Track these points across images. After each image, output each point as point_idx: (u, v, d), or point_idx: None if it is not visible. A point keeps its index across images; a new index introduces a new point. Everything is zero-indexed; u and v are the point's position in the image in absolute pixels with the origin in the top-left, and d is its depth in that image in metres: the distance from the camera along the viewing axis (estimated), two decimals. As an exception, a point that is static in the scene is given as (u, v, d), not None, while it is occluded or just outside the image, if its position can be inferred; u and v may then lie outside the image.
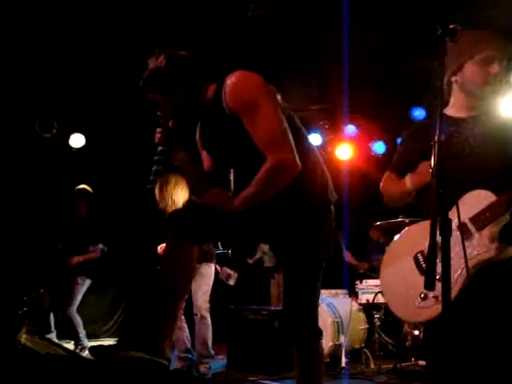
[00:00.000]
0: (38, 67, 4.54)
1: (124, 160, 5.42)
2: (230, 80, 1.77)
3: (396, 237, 2.03)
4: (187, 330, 3.77)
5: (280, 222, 1.89)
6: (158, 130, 1.91)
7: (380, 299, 4.43)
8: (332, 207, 1.97)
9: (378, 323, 4.36)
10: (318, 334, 1.93)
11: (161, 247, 3.83)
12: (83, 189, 4.77)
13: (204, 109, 1.88)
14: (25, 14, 4.10)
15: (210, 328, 3.77)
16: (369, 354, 3.99)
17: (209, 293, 3.77)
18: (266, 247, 3.75)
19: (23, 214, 5.09)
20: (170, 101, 1.84)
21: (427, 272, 1.34)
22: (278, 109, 1.76)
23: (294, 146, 1.75)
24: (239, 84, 1.75)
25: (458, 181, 1.58)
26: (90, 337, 4.92)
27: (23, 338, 2.41)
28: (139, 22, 4.31)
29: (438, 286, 1.35)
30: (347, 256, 5.26)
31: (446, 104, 1.92)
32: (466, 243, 1.64)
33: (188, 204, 1.97)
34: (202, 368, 3.67)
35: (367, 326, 4.45)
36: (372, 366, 3.90)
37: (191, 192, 2.09)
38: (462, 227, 1.62)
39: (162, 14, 4.27)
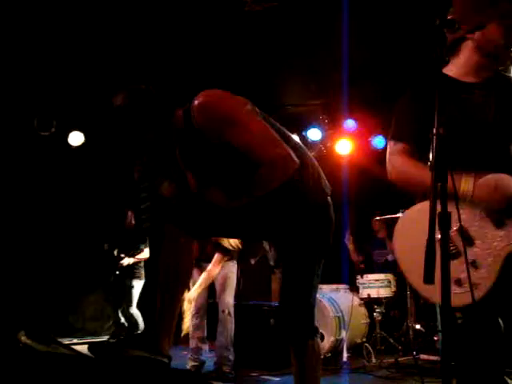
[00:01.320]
0: (36, 65, 4.52)
1: (123, 158, 5.40)
2: (197, 101, 1.73)
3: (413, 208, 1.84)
4: (205, 331, 3.78)
5: (278, 218, 1.87)
6: (136, 168, 1.89)
7: (381, 294, 4.43)
8: (329, 199, 1.96)
9: (379, 318, 4.36)
10: (314, 330, 1.91)
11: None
12: None
13: (177, 135, 1.83)
14: (23, 11, 4.08)
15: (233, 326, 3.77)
16: (370, 348, 4.00)
17: (234, 291, 3.81)
18: (267, 245, 3.75)
19: (22, 212, 5.09)
20: (139, 139, 1.80)
21: (426, 265, 1.32)
22: (253, 114, 1.76)
23: (284, 144, 1.73)
24: (206, 103, 1.73)
25: (480, 155, 1.54)
26: (91, 335, 4.95)
27: (24, 336, 2.41)
28: (136, 19, 4.29)
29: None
30: (348, 239, 5.26)
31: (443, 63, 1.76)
32: (497, 231, 1.59)
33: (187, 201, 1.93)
34: (225, 368, 3.62)
35: (368, 320, 4.46)
36: (373, 360, 3.91)
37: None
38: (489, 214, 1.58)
39: (160, 11, 4.25)
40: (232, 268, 3.78)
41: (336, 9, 4.13)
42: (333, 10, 4.13)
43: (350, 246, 5.30)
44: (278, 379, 3.53)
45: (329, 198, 1.96)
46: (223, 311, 3.70)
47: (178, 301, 1.90)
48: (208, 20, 4.27)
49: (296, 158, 1.74)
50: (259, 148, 1.70)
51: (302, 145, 2.01)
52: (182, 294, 1.93)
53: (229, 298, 3.73)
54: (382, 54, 4.69)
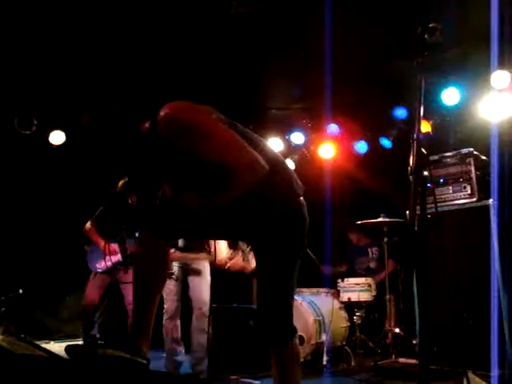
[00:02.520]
0: (16, 63, 4.46)
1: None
2: (162, 113, 1.77)
3: None
4: (179, 331, 3.74)
5: (251, 221, 1.89)
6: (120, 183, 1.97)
7: (362, 297, 4.46)
8: (301, 199, 1.97)
9: (359, 321, 4.39)
10: (293, 331, 1.93)
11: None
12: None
13: (146, 146, 1.86)
14: (4, 9, 4.02)
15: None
16: (350, 351, 4.02)
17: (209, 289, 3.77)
18: (245, 246, 3.75)
19: (2, 212, 4.99)
20: (109, 154, 1.87)
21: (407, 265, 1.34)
22: (217, 123, 1.79)
23: (251, 149, 1.76)
24: (171, 116, 1.76)
25: None
26: (69, 337, 4.87)
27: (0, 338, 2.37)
28: (120, 17, 4.26)
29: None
30: (327, 270, 5.25)
31: None
32: None
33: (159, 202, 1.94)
34: (199, 367, 3.60)
35: (349, 324, 4.48)
36: (353, 363, 3.93)
37: None
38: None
39: (143, 12, 4.23)
40: (207, 265, 3.76)
41: (319, 13, 4.17)
42: (316, 15, 4.17)
43: (333, 271, 5.26)
44: (258, 382, 3.52)
45: (301, 198, 1.98)
46: (199, 309, 3.65)
47: (154, 304, 1.89)
48: (192, 23, 4.27)
49: (264, 163, 1.76)
50: (226, 156, 1.73)
51: (271, 148, 2.01)
52: (158, 296, 1.93)
53: (205, 296, 3.69)
54: (365, 59, 4.75)
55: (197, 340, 3.63)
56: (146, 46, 4.53)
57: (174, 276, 3.74)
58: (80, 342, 4.60)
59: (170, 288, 3.71)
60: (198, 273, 3.72)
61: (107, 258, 4.04)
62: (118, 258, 4.17)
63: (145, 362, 1.84)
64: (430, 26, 1.58)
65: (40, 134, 5.02)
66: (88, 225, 4.25)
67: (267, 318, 1.90)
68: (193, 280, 3.73)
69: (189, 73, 4.76)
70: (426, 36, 1.57)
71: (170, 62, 4.75)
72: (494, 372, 3.16)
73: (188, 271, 3.78)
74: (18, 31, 4.18)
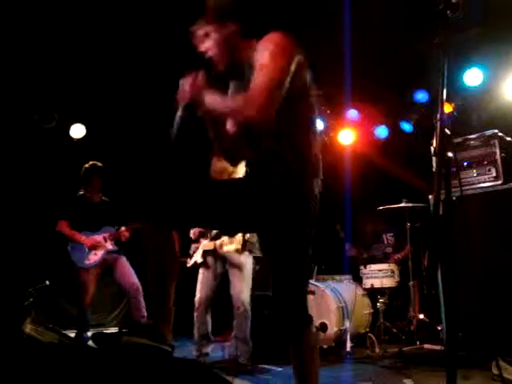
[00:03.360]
0: (37, 58, 4.51)
1: (125, 150, 5.40)
2: (264, 38, 1.81)
3: None
4: (209, 326, 3.69)
5: (265, 202, 1.83)
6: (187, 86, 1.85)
7: (384, 284, 4.42)
8: (318, 182, 1.91)
9: (383, 308, 4.36)
10: (309, 319, 1.88)
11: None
12: (100, 167, 4.40)
13: (240, 62, 1.90)
14: (24, 5, 4.07)
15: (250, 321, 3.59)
16: (374, 338, 3.99)
17: (250, 285, 3.59)
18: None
19: (25, 206, 5.09)
20: (222, 34, 1.86)
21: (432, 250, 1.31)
22: (282, 70, 1.76)
23: (273, 102, 1.73)
24: (267, 40, 1.80)
25: None
26: (95, 326, 4.95)
27: (28, 327, 2.42)
28: (136, 14, 4.27)
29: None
30: (349, 249, 5.22)
31: None
32: None
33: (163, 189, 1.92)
34: (241, 360, 3.54)
35: (372, 310, 4.45)
36: (377, 350, 3.90)
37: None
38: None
39: (159, 9, 4.23)
40: (244, 260, 3.57)
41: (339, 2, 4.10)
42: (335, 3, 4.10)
43: (354, 254, 5.23)
44: (280, 368, 3.53)
45: (317, 181, 1.92)
46: (238, 308, 3.52)
47: (171, 291, 1.90)
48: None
49: (267, 113, 1.72)
50: (260, 83, 1.72)
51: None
52: (174, 280, 1.93)
53: (244, 294, 3.51)
54: (384, 44, 4.65)
55: (236, 334, 3.57)
56: (160, 43, 4.54)
57: (202, 264, 3.70)
58: (105, 330, 4.69)
59: (201, 277, 3.70)
60: (237, 267, 3.55)
61: (93, 251, 4.19)
62: (105, 248, 4.26)
63: (169, 349, 1.85)
64: (453, 1, 1.53)
65: (61, 128, 5.08)
66: (60, 226, 4.28)
67: (283, 306, 1.85)
68: (232, 275, 3.59)
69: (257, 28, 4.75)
70: (448, 12, 1.52)
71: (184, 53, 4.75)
72: None
73: (227, 263, 3.64)
74: (38, 27, 4.22)
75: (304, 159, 1.85)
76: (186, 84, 1.86)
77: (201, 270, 3.74)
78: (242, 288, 3.52)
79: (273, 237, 1.87)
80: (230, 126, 1.98)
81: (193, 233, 3.81)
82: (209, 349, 3.71)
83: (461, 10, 1.57)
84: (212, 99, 1.80)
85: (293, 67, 1.79)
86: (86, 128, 5.18)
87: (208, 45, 1.88)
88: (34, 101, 4.96)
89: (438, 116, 1.41)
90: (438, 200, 1.33)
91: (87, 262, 4.19)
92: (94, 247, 4.22)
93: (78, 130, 5.15)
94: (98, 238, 4.27)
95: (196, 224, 2.47)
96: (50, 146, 5.15)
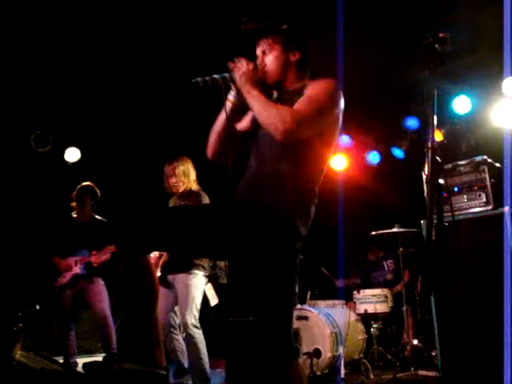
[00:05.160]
0: (32, 81, 4.55)
1: (120, 174, 5.41)
2: (321, 79, 1.92)
3: None
4: (181, 349, 3.40)
5: (251, 230, 1.78)
6: (245, 63, 1.90)
7: (378, 309, 4.42)
8: (307, 222, 1.86)
9: (377, 333, 4.34)
10: (296, 350, 1.78)
11: (153, 255, 3.72)
12: (90, 186, 4.44)
13: (285, 89, 1.98)
14: (18, 28, 4.13)
15: (202, 345, 3.33)
16: (368, 364, 3.96)
17: (196, 306, 3.34)
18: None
19: (18, 229, 5.06)
20: (281, 53, 1.96)
21: (425, 275, 1.33)
22: (326, 110, 1.86)
23: (311, 127, 1.81)
24: (325, 81, 1.91)
25: None
26: (86, 353, 4.87)
27: (18, 354, 2.39)
28: (132, 37, 4.35)
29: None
30: (340, 283, 5.23)
31: None
32: None
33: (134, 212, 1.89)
34: None
35: (366, 336, 4.43)
36: (371, 376, 3.87)
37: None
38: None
39: (156, 29, 4.31)
40: (186, 280, 3.34)
41: (330, 26, 4.21)
42: (327, 27, 4.21)
43: (346, 284, 5.23)
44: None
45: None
46: (183, 333, 3.29)
47: (156, 311, 1.91)
48: (203, 39, 4.34)
49: (296, 134, 1.78)
50: (309, 107, 1.82)
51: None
52: (155, 303, 1.94)
53: (185, 317, 3.24)
54: (375, 71, 4.77)
55: (191, 367, 3.34)
56: (160, 64, 4.62)
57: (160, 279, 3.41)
58: (97, 358, 4.60)
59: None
60: (182, 287, 3.35)
61: (62, 274, 4.28)
62: (73, 271, 4.29)
63: (164, 372, 1.84)
64: (440, 35, 1.59)
65: (56, 152, 5.10)
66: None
67: (271, 338, 1.73)
68: (178, 295, 3.38)
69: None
70: (436, 46, 1.58)
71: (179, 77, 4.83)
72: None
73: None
74: (34, 50, 4.28)
75: (301, 194, 1.83)
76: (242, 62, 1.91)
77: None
78: (186, 310, 3.26)
79: (253, 268, 1.78)
80: (243, 124, 2.03)
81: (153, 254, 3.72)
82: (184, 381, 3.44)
83: (448, 43, 1.64)
84: (259, 93, 1.84)
85: (336, 112, 1.89)
86: (81, 152, 5.21)
87: (269, 61, 1.95)
88: (28, 124, 4.99)
89: (429, 144, 1.45)
90: (431, 225, 1.36)
91: (56, 284, 4.31)
92: (66, 270, 4.29)
93: (72, 154, 5.18)
94: (71, 260, 4.32)
95: (169, 248, 2.25)
96: (45, 170, 5.15)
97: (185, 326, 3.25)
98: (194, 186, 3.56)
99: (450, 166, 3.89)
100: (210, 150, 2.04)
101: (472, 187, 3.73)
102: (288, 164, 1.82)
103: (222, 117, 1.97)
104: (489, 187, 3.69)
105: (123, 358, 1.92)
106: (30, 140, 4.93)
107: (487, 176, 3.73)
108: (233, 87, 1.92)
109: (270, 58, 1.95)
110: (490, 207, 3.64)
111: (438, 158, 1.44)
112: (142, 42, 4.41)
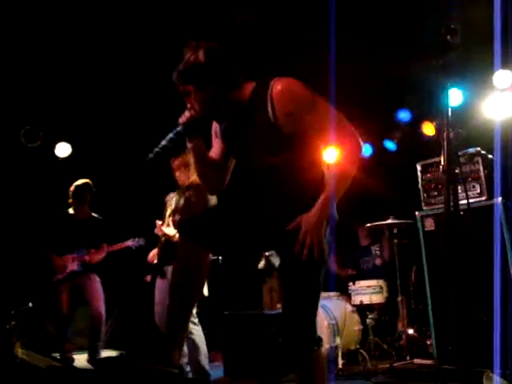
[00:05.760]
0: (22, 76, 4.47)
1: (111, 170, 5.36)
2: (281, 84, 1.79)
3: None
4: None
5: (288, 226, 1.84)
6: (187, 113, 1.85)
7: (373, 300, 4.47)
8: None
9: (372, 324, 4.39)
10: (319, 340, 1.89)
11: (153, 254, 3.76)
12: (89, 184, 4.42)
13: (236, 105, 1.86)
14: (6, 23, 4.05)
15: (201, 341, 3.34)
16: (365, 354, 4.01)
17: None
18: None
19: (9, 226, 4.98)
20: (203, 94, 1.82)
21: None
22: (326, 101, 1.85)
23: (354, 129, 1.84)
24: (292, 89, 1.79)
25: None
26: (81, 349, 4.82)
27: (19, 351, 2.36)
28: (123, 33, 4.30)
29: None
30: (331, 262, 5.27)
31: None
32: None
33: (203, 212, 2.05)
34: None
35: (361, 327, 4.48)
36: (369, 366, 3.92)
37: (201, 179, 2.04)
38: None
39: (148, 25, 4.27)
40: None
41: (324, 18, 4.21)
42: (320, 20, 4.21)
43: (336, 270, 5.27)
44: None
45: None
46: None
47: (191, 310, 1.89)
48: (197, 32, 4.31)
49: (361, 144, 1.84)
50: (337, 129, 1.82)
51: None
52: (195, 302, 1.93)
53: None
54: (368, 63, 4.79)
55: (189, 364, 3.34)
56: (151, 58, 4.57)
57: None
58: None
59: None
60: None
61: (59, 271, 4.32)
62: (71, 268, 4.30)
63: (176, 371, 1.83)
64: (452, 27, 1.61)
65: (46, 147, 5.02)
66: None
67: (296, 327, 1.85)
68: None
69: (242, 70, 4.80)
70: (448, 37, 1.59)
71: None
72: (497, 369, 3.16)
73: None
74: (24, 46, 4.20)
75: (317, 187, 1.88)
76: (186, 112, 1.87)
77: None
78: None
79: (292, 256, 1.84)
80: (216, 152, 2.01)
81: (152, 254, 3.72)
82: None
83: (459, 35, 1.66)
84: (337, 189, 1.85)
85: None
86: (72, 147, 5.13)
87: (193, 105, 1.85)
88: (18, 119, 4.90)
89: (445, 134, 1.47)
90: (450, 211, 1.38)
91: (53, 279, 4.35)
92: (61, 269, 4.31)
93: (63, 149, 5.10)
94: (68, 258, 4.32)
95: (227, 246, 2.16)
96: (35, 166, 5.07)
97: None
98: (195, 178, 3.51)
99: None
100: (209, 190, 2.14)
101: (466, 178, 3.78)
102: (297, 168, 1.85)
103: (195, 161, 1.98)
104: (483, 178, 3.75)
105: (138, 355, 1.90)
106: (19, 135, 4.84)
107: (481, 167, 3.79)
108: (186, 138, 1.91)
109: (197, 104, 1.84)
110: (484, 198, 3.71)
111: (453, 149, 1.45)
112: (131, 37, 4.36)
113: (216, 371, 4.11)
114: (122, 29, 4.27)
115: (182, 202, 3.47)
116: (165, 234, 3.47)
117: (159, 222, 3.55)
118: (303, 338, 1.84)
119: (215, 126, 2.02)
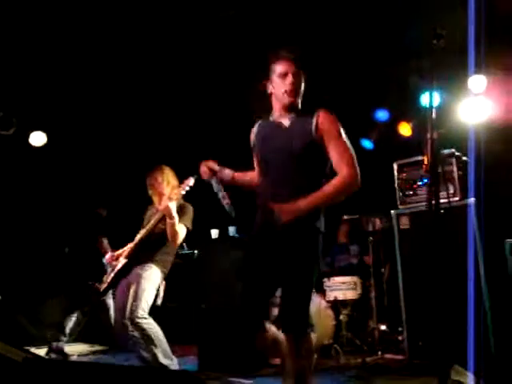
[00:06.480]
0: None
1: (87, 159, 5.28)
2: (324, 112, 2.33)
3: None
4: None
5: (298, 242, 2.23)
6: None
7: (347, 296, 4.54)
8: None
9: (346, 319, 4.47)
10: (311, 326, 2.29)
11: (110, 256, 3.63)
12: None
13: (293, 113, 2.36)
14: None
15: (154, 333, 3.21)
16: (339, 349, 4.08)
17: (145, 299, 3.27)
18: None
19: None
20: (300, 80, 2.34)
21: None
22: (347, 140, 2.33)
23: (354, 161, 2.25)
24: (330, 117, 2.33)
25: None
26: (50, 342, 4.75)
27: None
28: (95, 21, 4.23)
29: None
30: None
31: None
32: None
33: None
34: None
35: (335, 322, 4.55)
36: (342, 360, 3.99)
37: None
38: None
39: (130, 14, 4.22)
40: (144, 273, 3.34)
41: (303, 16, 4.25)
42: (299, 17, 4.25)
43: None
44: (250, 381, 3.54)
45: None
46: (123, 324, 3.18)
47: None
48: (182, 27, 4.28)
49: (360, 182, 2.24)
50: (345, 162, 2.25)
51: None
52: None
53: (134, 309, 3.19)
54: (346, 62, 4.85)
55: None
56: (122, 47, 4.52)
57: None
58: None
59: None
60: (135, 277, 3.36)
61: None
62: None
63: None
64: (438, 31, 1.65)
65: (20, 135, 4.90)
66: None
67: (293, 311, 2.20)
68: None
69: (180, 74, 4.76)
70: (434, 41, 1.64)
71: (150, 64, 4.75)
72: (471, 365, 3.27)
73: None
74: None
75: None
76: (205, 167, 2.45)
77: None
78: (133, 302, 3.22)
79: (294, 270, 2.23)
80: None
81: (109, 256, 3.66)
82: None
83: (444, 39, 1.70)
84: (319, 199, 2.20)
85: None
86: (47, 136, 5.02)
87: (293, 80, 2.29)
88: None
89: (428, 135, 1.51)
90: (435, 209, 1.43)
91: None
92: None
93: (38, 138, 4.99)
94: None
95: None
96: (9, 154, 4.95)
97: (131, 318, 3.17)
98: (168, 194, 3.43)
99: (419, 158, 4.04)
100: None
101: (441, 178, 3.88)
102: (304, 180, 2.27)
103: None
104: (456, 179, 3.86)
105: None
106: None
107: (455, 168, 3.89)
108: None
109: (295, 81, 2.30)
110: (457, 198, 3.81)
111: (437, 149, 1.50)
112: (106, 27, 4.30)
113: (192, 365, 4.12)
114: (93, 17, 4.20)
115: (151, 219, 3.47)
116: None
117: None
118: (299, 324, 2.21)
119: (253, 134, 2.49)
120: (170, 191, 3.43)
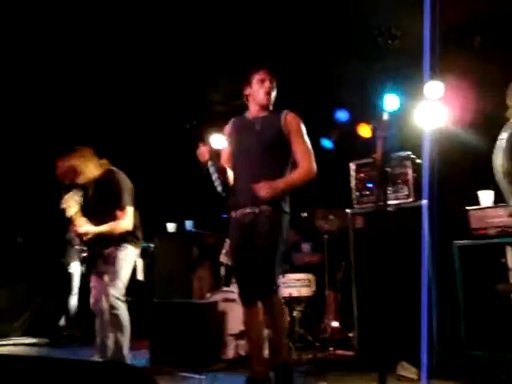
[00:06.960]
0: None
1: (32, 148, 5.10)
2: (292, 113, 2.96)
3: None
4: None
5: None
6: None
7: (302, 293, 4.59)
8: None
9: (299, 316, 4.52)
10: (277, 287, 2.81)
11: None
12: None
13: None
14: None
15: (124, 320, 3.25)
16: (291, 345, 4.12)
17: (122, 279, 3.28)
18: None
19: None
20: (273, 88, 3.02)
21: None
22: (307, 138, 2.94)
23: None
24: (296, 118, 2.95)
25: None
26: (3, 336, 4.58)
27: None
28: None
29: None
30: None
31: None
32: None
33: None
34: None
35: (288, 318, 4.59)
36: (293, 356, 4.03)
37: None
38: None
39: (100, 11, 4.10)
40: (120, 254, 3.31)
41: (266, 14, 4.25)
42: (263, 16, 4.26)
43: None
44: (202, 376, 3.52)
45: None
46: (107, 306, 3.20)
47: None
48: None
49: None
50: (306, 157, 2.86)
51: None
52: None
53: (111, 289, 3.22)
54: (307, 62, 4.88)
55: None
56: (95, 37, 4.40)
57: None
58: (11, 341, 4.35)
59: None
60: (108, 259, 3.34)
61: None
62: None
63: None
64: (393, 32, 1.68)
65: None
66: None
67: (264, 279, 2.69)
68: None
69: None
70: (389, 41, 1.66)
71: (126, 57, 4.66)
72: (424, 360, 3.38)
73: None
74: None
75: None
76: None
77: None
78: (110, 282, 3.24)
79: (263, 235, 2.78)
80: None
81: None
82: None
83: (399, 40, 1.74)
84: (290, 182, 2.81)
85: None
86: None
87: (269, 85, 2.94)
88: None
89: (380, 133, 1.54)
90: (382, 208, 1.45)
91: None
92: None
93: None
94: None
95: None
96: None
97: (107, 297, 3.19)
98: (97, 173, 3.41)
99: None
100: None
101: (396, 180, 3.98)
102: (274, 170, 2.83)
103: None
104: (411, 181, 3.96)
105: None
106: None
107: (410, 171, 4.00)
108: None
109: (266, 91, 2.95)
110: (411, 199, 3.92)
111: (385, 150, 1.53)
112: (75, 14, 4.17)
113: (143, 359, 4.06)
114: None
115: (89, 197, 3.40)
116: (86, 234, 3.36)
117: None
118: (268, 285, 2.69)
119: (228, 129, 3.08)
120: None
